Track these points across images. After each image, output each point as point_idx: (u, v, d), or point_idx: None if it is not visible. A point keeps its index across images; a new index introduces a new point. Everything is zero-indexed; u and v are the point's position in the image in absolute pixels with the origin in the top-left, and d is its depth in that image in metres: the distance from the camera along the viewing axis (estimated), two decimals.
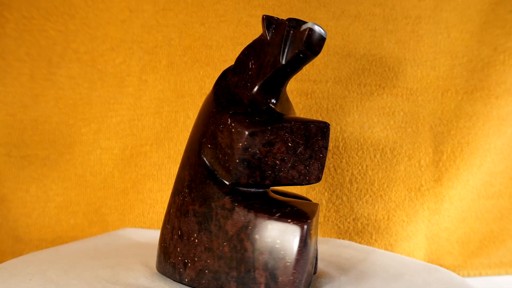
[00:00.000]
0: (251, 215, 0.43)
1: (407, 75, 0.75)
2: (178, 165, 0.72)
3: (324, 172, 0.73)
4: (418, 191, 0.74)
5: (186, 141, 0.52)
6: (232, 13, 0.74)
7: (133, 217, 0.75)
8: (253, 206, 0.44)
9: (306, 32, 0.42)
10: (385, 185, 0.75)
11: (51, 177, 0.75)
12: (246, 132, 0.43)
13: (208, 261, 0.45)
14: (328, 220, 0.73)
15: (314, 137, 0.45)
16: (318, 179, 0.45)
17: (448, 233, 0.76)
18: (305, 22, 0.44)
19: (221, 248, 0.44)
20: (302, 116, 0.74)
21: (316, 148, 0.45)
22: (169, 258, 0.47)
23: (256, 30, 0.74)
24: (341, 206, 0.74)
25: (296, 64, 0.45)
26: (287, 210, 0.44)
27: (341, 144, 0.74)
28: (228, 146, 0.44)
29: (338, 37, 0.75)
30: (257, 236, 0.43)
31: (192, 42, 0.74)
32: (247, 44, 0.51)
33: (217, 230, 0.44)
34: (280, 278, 0.42)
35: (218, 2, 0.74)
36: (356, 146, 0.74)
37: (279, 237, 0.42)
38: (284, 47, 0.44)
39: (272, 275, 0.42)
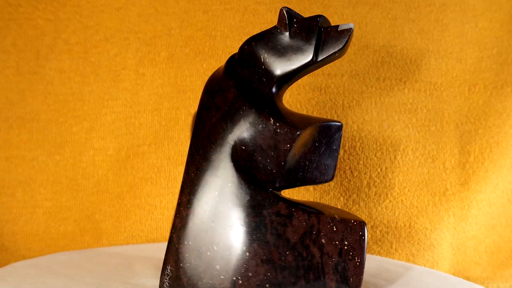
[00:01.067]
0: (313, 220, 0.45)
1: (431, 68, 0.70)
2: (179, 167, 0.70)
3: (339, 175, 0.70)
4: (443, 196, 0.70)
5: (188, 140, 0.50)
6: (238, 0, 0.70)
7: (129, 224, 0.71)
8: (309, 210, 0.45)
9: (349, 34, 0.45)
10: (407, 189, 0.70)
11: (39, 180, 0.71)
12: (298, 132, 0.44)
13: (269, 274, 0.44)
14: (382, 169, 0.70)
15: (333, 136, 0.47)
16: (333, 177, 0.48)
17: (476, 242, 0.72)
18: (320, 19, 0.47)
19: (283, 258, 0.44)
20: (315, 115, 0.70)
21: (334, 147, 0.47)
22: (200, 279, 0.44)
23: (264, 19, 0.70)
24: (358, 212, 0.70)
25: (326, 62, 0.47)
26: (337, 212, 0.47)
27: (358, 145, 0.70)
28: (271, 148, 0.45)
29: (355, 26, 0.70)
30: (323, 240, 0.45)
31: (194, 32, 0.71)
32: (252, 34, 0.49)
33: (275, 239, 0.44)
34: (351, 279, 0.44)
35: None
36: (374, 146, 0.70)
37: (346, 238, 0.44)
38: (318, 45, 0.46)
39: (343, 277, 0.44)
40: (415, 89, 0.71)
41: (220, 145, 0.46)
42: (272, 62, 0.47)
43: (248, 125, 0.45)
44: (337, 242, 0.44)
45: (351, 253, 0.44)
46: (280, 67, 0.47)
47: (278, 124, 0.45)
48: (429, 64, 0.71)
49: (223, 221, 0.45)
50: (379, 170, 0.70)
